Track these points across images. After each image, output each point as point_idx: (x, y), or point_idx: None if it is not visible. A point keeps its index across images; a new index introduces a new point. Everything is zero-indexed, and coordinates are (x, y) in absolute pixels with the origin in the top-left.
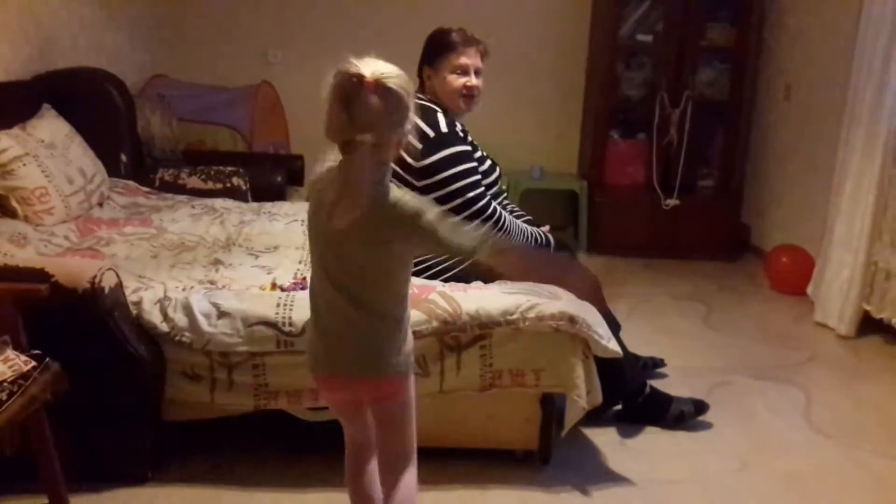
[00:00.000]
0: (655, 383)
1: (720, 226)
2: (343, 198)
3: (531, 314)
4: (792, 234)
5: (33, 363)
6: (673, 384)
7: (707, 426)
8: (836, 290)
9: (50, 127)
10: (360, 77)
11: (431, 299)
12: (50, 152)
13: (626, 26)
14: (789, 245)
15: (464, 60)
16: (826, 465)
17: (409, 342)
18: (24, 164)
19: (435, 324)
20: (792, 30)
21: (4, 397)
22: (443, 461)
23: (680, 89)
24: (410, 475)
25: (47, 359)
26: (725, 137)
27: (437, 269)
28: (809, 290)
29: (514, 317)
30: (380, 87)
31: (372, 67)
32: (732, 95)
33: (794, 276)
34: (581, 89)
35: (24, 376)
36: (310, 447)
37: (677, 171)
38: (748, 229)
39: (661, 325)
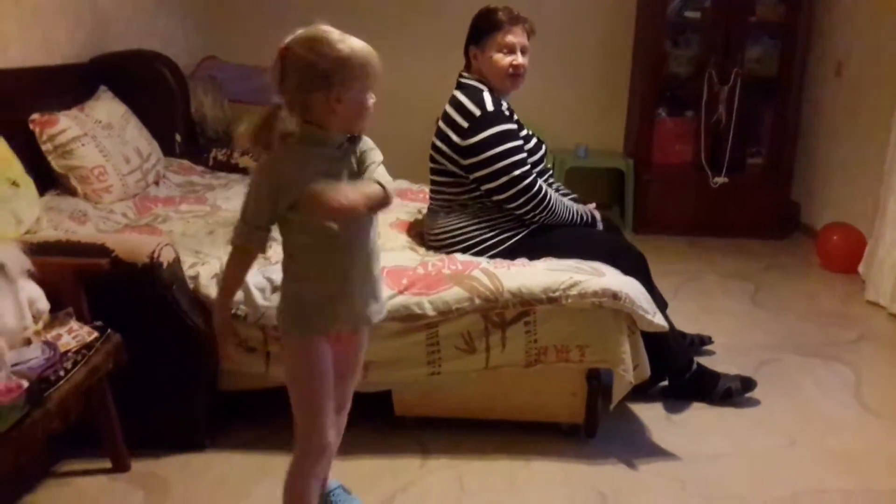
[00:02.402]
0: (703, 361)
1: (769, 204)
2: None
3: (573, 291)
4: (843, 212)
5: (96, 334)
6: (720, 361)
7: (755, 403)
8: (888, 268)
9: (107, 108)
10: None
11: (474, 276)
12: (107, 133)
13: (674, 3)
14: (840, 223)
15: (510, 39)
16: (875, 444)
17: (292, 298)
18: (83, 145)
19: (478, 301)
20: (843, 4)
21: (69, 366)
22: (488, 433)
23: (728, 66)
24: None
25: (109, 330)
26: (775, 114)
27: (484, 245)
28: (861, 268)
29: (556, 294)
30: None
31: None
32: (782, 72)
33: (845, 255)
34: (627, 67)
35: (88, 346)
36: (355, 416)
37: (726, 148)
38: (798, 207)
39: (709, 304)
